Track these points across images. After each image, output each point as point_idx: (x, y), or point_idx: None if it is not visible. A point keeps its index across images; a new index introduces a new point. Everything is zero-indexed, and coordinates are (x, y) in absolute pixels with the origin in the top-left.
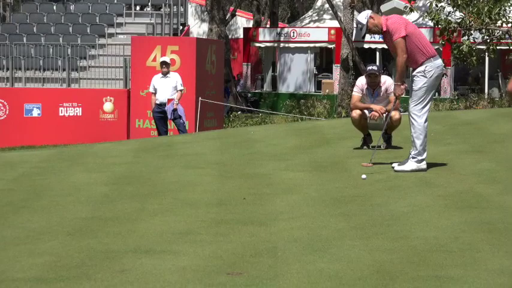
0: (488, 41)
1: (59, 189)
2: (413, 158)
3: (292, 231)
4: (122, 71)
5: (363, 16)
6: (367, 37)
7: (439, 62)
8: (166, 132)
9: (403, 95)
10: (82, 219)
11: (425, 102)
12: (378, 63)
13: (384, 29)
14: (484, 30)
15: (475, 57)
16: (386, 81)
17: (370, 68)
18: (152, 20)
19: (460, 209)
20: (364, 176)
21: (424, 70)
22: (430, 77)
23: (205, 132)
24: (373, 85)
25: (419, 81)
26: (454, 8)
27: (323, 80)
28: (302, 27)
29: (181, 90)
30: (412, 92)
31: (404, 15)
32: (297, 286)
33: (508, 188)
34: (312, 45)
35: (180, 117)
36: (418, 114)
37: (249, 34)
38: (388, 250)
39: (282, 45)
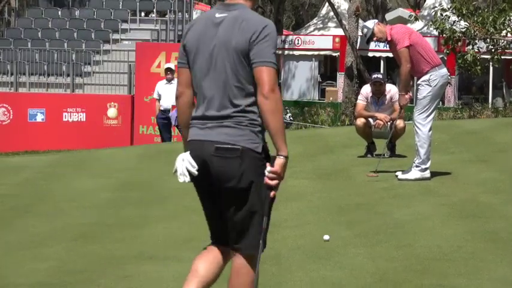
0: (493, 50)
1: (63, 194)
2: (417, 166)
3: (296, 239)
4: (126, 77)
5: (371, 22)
6: (372, 45)
7: (443, 71)
8: (170, 139)
9: (408, 104)
10: (86, 225)
11: (429, 111)
12: (382, 71)
13: (389, 38)
14: (488, 40)
15: (479, 67)
16: (391, 90)
17: (375, 76)
18: (157, 26)
19: (463, 218)
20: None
21: (429, 79)
22: (435, 86)
23: None
24: (378, 93)
25: (424, 90)
26: (459, 18)
27: (327, 88)
28: (307, 34)
29: None
30: (416, 101)
31: (409, 24)
32: None
33: None
34: (316, 53)
35: None
36: (423, 123)
37: None
38: (392, 258)
39: (286, 52)
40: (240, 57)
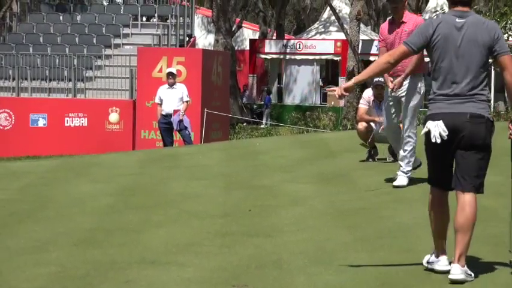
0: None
1: (64, 199)
2: (406, 173)
3: (298, 243)
4: (128, 82)
5: None
6: (374, 50)
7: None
8: (171, 143)
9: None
10: (87, 230)
11: (416, 118)
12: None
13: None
14: None
15: None
16: None
17: (376, 80)
18: (158, 31)
19: None
20: None
21: (420, 86)
22: (423, 93)
23: (210, 143)
24: (380, 97)
25: (416, 98)
26: None
27: (329, 92)
28: (308, 39)
29: (187, 102)
30: (408, 108)
31: None
32: None
33: None
34: (317, 57)
35: (185, 128)
36: (415, 132)
37: (255, 46)
38: (394, 263)
39: (287, 57)
40: (486, 49)
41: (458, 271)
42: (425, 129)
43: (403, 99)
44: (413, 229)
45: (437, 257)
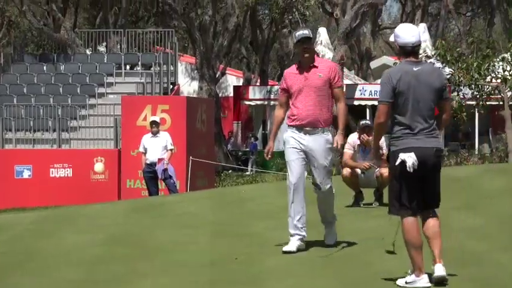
0: (478, 96)
1: (51, 251)
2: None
3: None
4: (113, 131)
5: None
6: (357, 93)
7: None
8: (157, 192)
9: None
10: (74, 282)
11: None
12: (368, 119)
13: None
14: (473, 86)
15: (465, 113)
16: None
17: (363, 122)
18: (142, 79)
19: (453, 266)
20: None
21: (332, 141)
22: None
23: (196, 191)
24: (367, 143)
25: (331, 154)
26: (444, 64)
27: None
28: None
29: (171, 150)
30: (326, 165)
31: None
32: None
33: (500, 244)
34: None
35: (170, 177)
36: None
37: (239, 92)
38: None
39: (272, 103)
40: (438, 92)
41: (441, 269)
42: (398, 161)
43: (313, 154)
44: (399, 273)
45: (418, 276)
